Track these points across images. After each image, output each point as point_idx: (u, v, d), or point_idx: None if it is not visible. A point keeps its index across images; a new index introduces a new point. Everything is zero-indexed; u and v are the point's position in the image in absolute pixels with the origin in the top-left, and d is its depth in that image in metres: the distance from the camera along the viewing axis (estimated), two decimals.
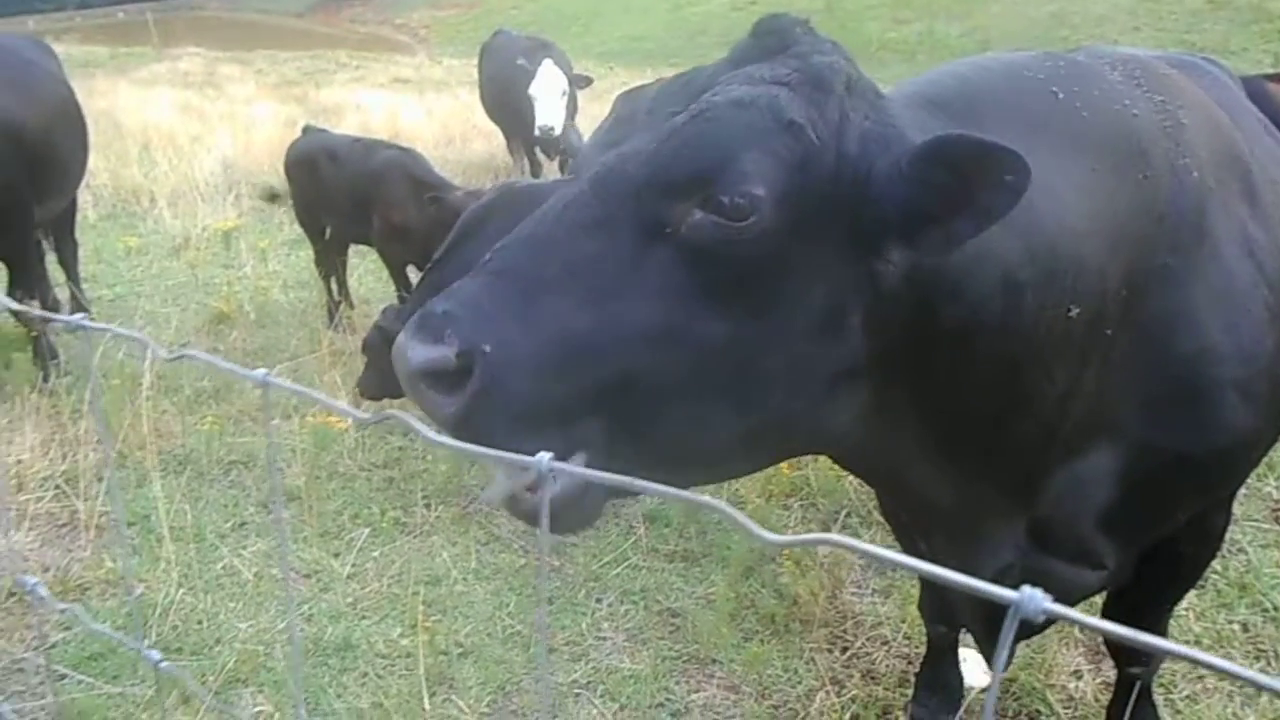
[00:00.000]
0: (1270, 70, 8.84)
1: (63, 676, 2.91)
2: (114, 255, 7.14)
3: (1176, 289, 1.70)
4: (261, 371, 1.11)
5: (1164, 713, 2.70)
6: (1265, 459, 2.48)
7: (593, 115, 9.17)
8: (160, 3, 47.52)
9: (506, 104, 8.97)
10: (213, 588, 3.39)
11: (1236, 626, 3.16)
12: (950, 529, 1.93)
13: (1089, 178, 1.59)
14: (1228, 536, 2.28)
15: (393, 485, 4.09)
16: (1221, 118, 1.90)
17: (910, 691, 2.83)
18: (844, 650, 3.09)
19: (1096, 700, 2.83)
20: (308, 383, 4.76)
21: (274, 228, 7.99)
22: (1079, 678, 2.93)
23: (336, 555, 3.60)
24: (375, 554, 3.62)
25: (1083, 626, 0.63)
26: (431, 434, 0.96)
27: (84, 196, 7.27)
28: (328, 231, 5.79)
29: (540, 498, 1.23)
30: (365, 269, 6.69)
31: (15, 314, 4.95)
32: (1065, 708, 2.82)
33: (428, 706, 2.85)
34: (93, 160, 5.94)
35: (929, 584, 2.66)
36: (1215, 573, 3.35)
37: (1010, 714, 2.83)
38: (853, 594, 3.34)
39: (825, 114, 1.36)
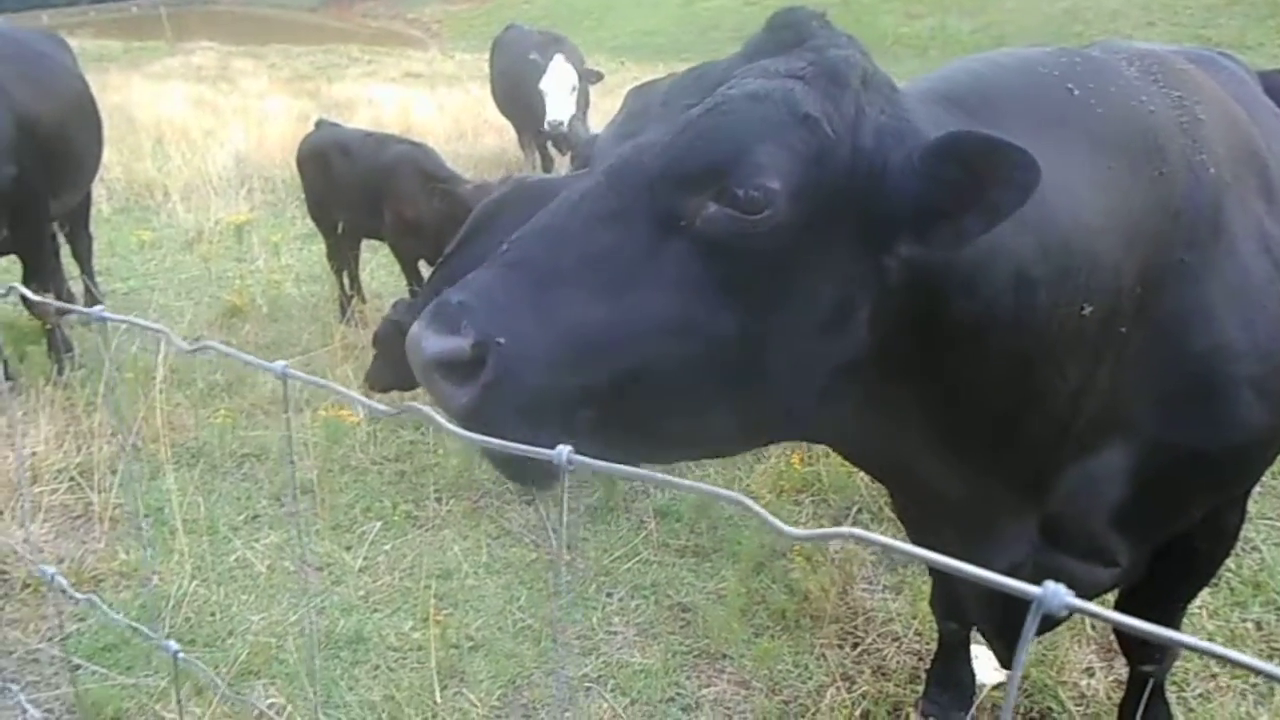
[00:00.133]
0: None
1: (77, 667, 2.93)
2: (127, 249, 7.18)
3: (1192, 285, 1.69)
4: (281, 364, 1.12)
5: (1176, 710, 2.69)
6: None
7: (604, 110, 9.17)
8: None
9: (518, 99, 8.98)
10: (225, 580, 3.41)
11: (1250, 624, 3.14)
12: (961, 525, 1.93)
13: (1104, 174, 1.58)
14: (1242, 534, 2.27)
15: (404, 479, 4.10)
16: (1239, 113, 1.89)
17: (921, 688, 2.83)
18: (855, 646, 3.08)
19: (1109, 698, 2.82)
20: (319, 376, 4.77)
21: (286, 222, 8.02)
22: (1091, 675, 2.92)
23: (348, 548, 3.62)
24: (387, 547, 3.63)
25: (1105, 621, 0.63)
26: (451, 427, 0.96)
27: (98, 190, 7.30)
28: (340, 226, 5.80)
29: (458, 404, 1.26)
30: (377, 263, 6.71)
31: (30, 307, 4.98)
32: (1077, 705, 2.81)
33: (439, 699, 2.86)
34: (106, 154, 5.97)
35: (940, 580, 2.65)
36: (1229, 570, 3.34)
37: (1022, 711, 2.83)
38: (864, 590, 3.34)
39: (841, 108, 1.35)
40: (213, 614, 3.22)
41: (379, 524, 3.76)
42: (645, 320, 1.31)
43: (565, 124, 8.13)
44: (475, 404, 1.27)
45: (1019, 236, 1.44)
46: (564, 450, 0.87)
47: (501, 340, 1.26)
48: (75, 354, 5.05)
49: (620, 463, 0.94)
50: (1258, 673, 0.56)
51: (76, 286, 5.79)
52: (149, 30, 30.65)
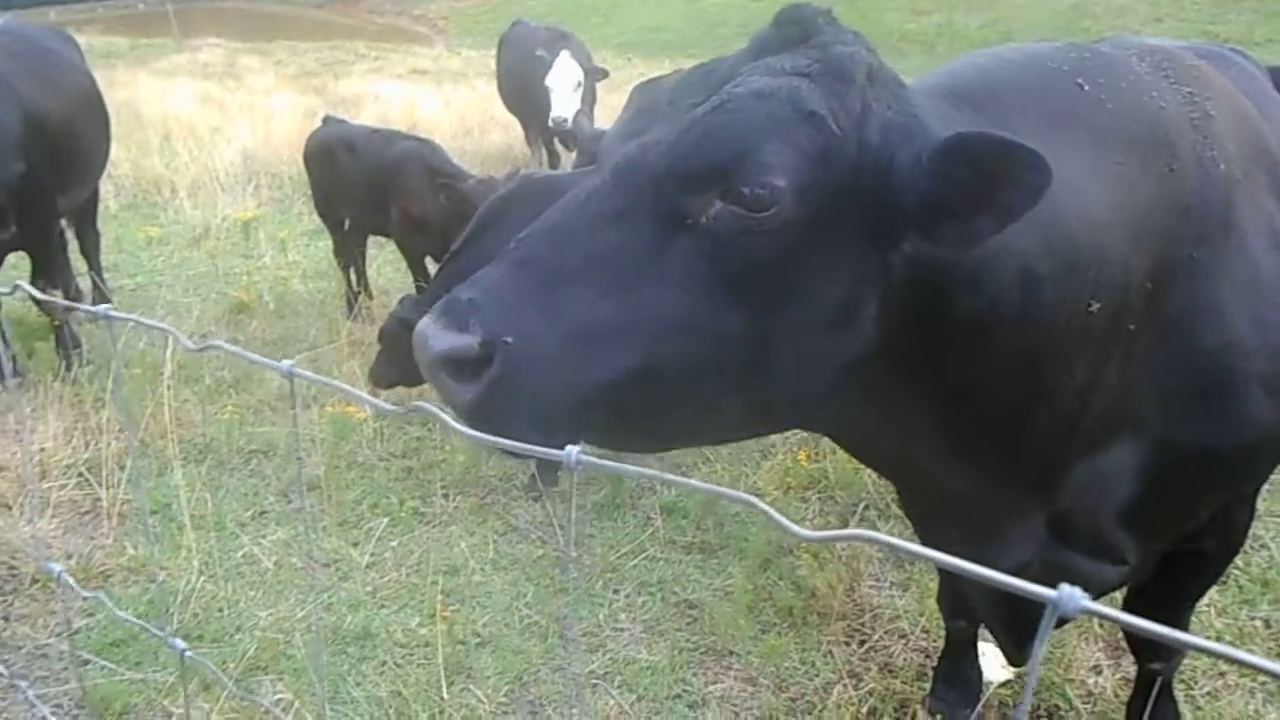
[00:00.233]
0: None
1: (86, 662, 2.94)
2: (135, 245, 7.20)
3: (1202, 282, 1.68)
4: (288, 363, 1.12)
5: (1184, 709, 2.69)
6: None
7: (611, 106, 9.17)
8: None
9: (524, 95, 8.98)
10: (233, 576, 3.42)
11: (1259, 623, 3.13)
12: (968, 522, 1.92)
13: (1113, 169, 1.57)
14: (1250, 532, 2.26)
15: (411, 475, 4.11)
16: (1249, 109, 1.88)
17: (928, 685, 2.82)
18: (862, 643, 3.08)
19: (1116, 696, 2.81)
20: (326, 373, 4.78)
21: (293, 218, 8.03)
22: (1098, 673, 2.91)
23: (355, 544, 3.62)
24: (394, 543, 3.64)
25: (1118, 624, 0.63)
26: (459, 426, 0.96)
27: (105, 187, 7.31)
28: (346, 222, 5.82)
29: (463, 400, 1.26)
30: (384, 259, 6.72)
31: (38, 303, 5.00)
32: (1085, 703, 2.81)
33: (446, 695, 2.86)
34: (114, 151, 5.98)
35: (948, 578, 2.64)
36: (1237, 569, 3.32)
37: (1029, 709, 2.82)
38: (871, 587, 3.33)
39: (846, 104, 1.35)
40: (220, 610, 3.23)
41: (386, 520, 3.76)
42: (652, 318, 1.31)
43: (569, 121, 8.13)
44: (481, 399, 1.27)
45: (1026, 233, 1.43)
46: (572, 451, 0.86)
47: (509, 338, 1.26)
48: (83, 350, 5.07)
49: (624, 454, 0.94)
50: (1265, 673, 0.55)
51: (84, 283, 5.81)
52: (156, 27, 30.75)
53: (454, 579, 3.43)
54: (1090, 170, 1.55)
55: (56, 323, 4.95)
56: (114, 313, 1.37)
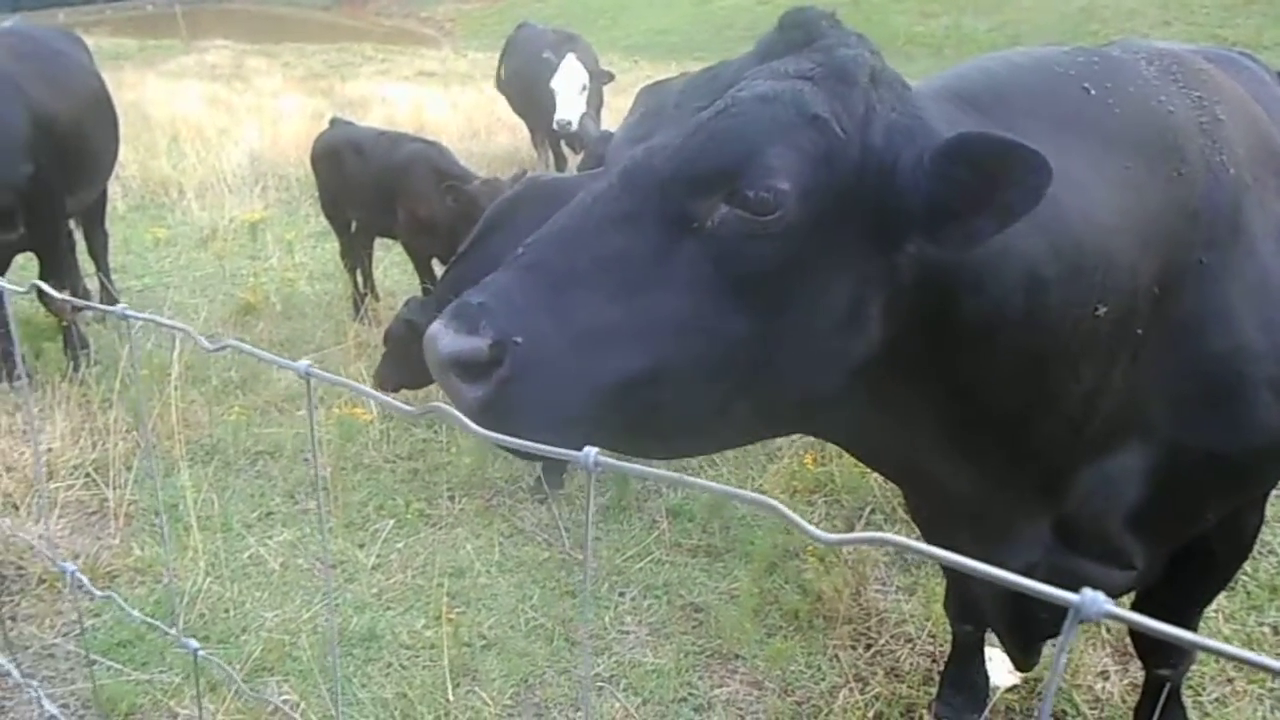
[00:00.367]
0: None
1: (94, 662, 2.95)
2: (142, 246, 7.22)
3: (1211, 286, 1.68)
4: (305, 363, 1.12)
5: (1192, 715, 2.67)
6: None
7: (617, 109, 9.17)
8: None
9: (531, 97, 8.98)
10: (240, 576, 3.42)
11: (1267, 629, 3.12)
12: (975, 526, 1.92)
13: (1120, 173, 1.57)
14: (1259, 538, 2.25)
15: (417, 477, 4.11)
16: (1259, 114, 1.87)
17: (935, 690, 2.81)
18: (868, 647, 3.08)
19: (1123, 701, 2.80)
20: (332, 374, 4.78)
21: (300, 220, 8.05)
22: (1106, 678, 2.90)
23: (361, 546, 3.63)
24: (400, 545, 3.64)
25: (1139, 628, 0.62)
26: (474, 426, 0.96)
27: (113, 188, 7.34)
28: (353, 224, 5.82)
29: (472, 400, 1.28)
30: (390, 261, 6.72)
31: (47, 304, 5.02)
32: (1092, 708, 2.80)
33: (451, 698, 2.86)
34: (122, 152, 6.00)
35: (955, 582, 2.64)
36: (1245, 574, 3.31)
37: (1036, 714, 2.81)
38: (877, 591, 3.33)
39: (850, 106, 1.35)
40: (227, 610, 3.24)
41: (392, 522, 3.77)
42: (659, 321, 1.32)
43: (574, 123, 8.13)
44: (490, 399, 1.29)
45: (1031, 236, 1.43)
46: (590, 451, 0.86)
47: (519, 340, 1.28)
48: (91, 351, 5.09)
49: (630, 457, 0.94)
50: (1277, 674, 0.55)
51: (92, 284, 5.83)
52: (164, 28, 30.82)
53: (459, 581, 3.43)
54: (1096, 174, 1.55)
55: (64, 323, 4.96)
56: (130, 312, 1.37)
